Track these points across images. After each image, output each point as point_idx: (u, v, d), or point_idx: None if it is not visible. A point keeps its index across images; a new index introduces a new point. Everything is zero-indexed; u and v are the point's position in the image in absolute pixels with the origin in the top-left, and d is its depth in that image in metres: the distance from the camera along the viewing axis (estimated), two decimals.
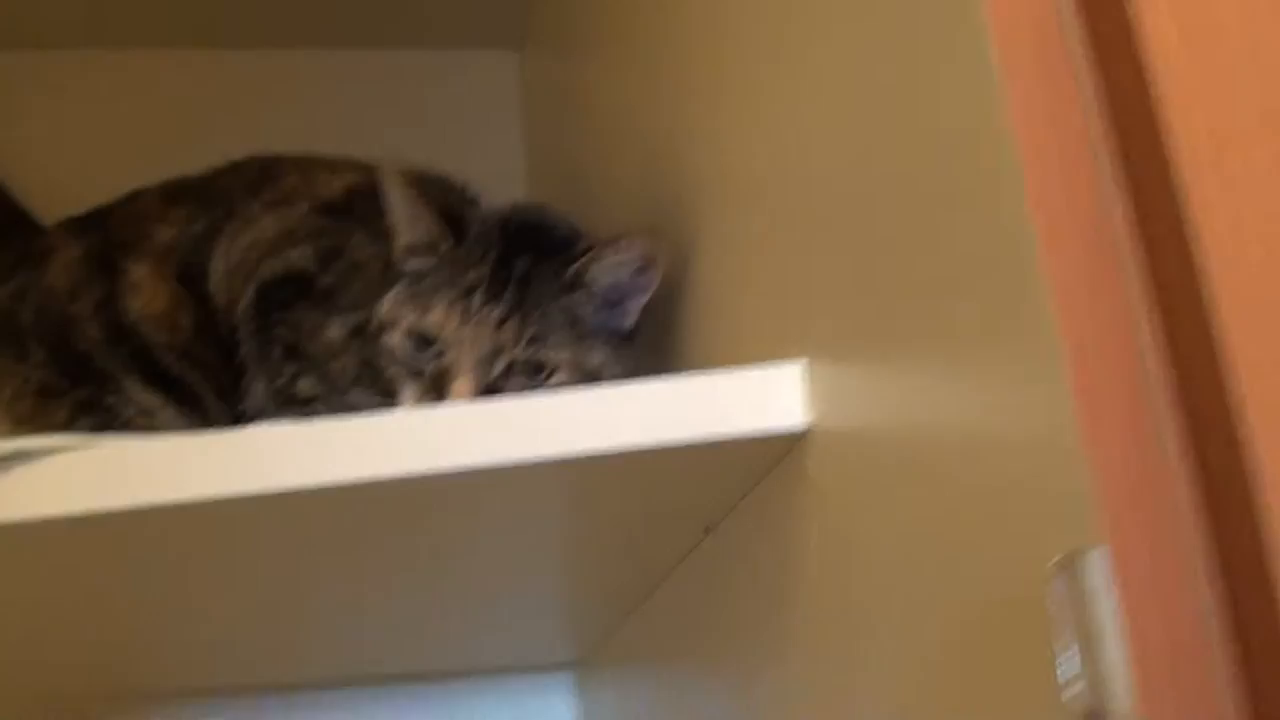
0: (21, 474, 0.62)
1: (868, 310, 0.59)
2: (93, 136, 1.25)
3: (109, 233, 0.96)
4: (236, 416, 0.90)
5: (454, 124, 1.35)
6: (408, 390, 0.77)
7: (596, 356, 0.78)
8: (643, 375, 0.69)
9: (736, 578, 0.77)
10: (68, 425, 0.86)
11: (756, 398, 0.64)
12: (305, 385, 0.86)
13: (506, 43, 1.37)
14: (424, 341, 0.77)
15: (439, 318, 0.77)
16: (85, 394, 0.90)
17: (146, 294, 0.93)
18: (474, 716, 1.15)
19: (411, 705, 1.14)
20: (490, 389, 0.74)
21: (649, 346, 0.83)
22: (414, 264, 0.80)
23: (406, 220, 0.81)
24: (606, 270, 0.78)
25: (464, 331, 0.76)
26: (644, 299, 0.80)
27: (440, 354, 0.76)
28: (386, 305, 0.80)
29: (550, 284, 0.78)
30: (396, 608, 0.92)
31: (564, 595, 0.98)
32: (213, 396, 0.91)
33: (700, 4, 0.81)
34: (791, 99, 0.65)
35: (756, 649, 0.74)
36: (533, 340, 0.76)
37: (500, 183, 1.31)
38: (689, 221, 0.82)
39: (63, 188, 1.15)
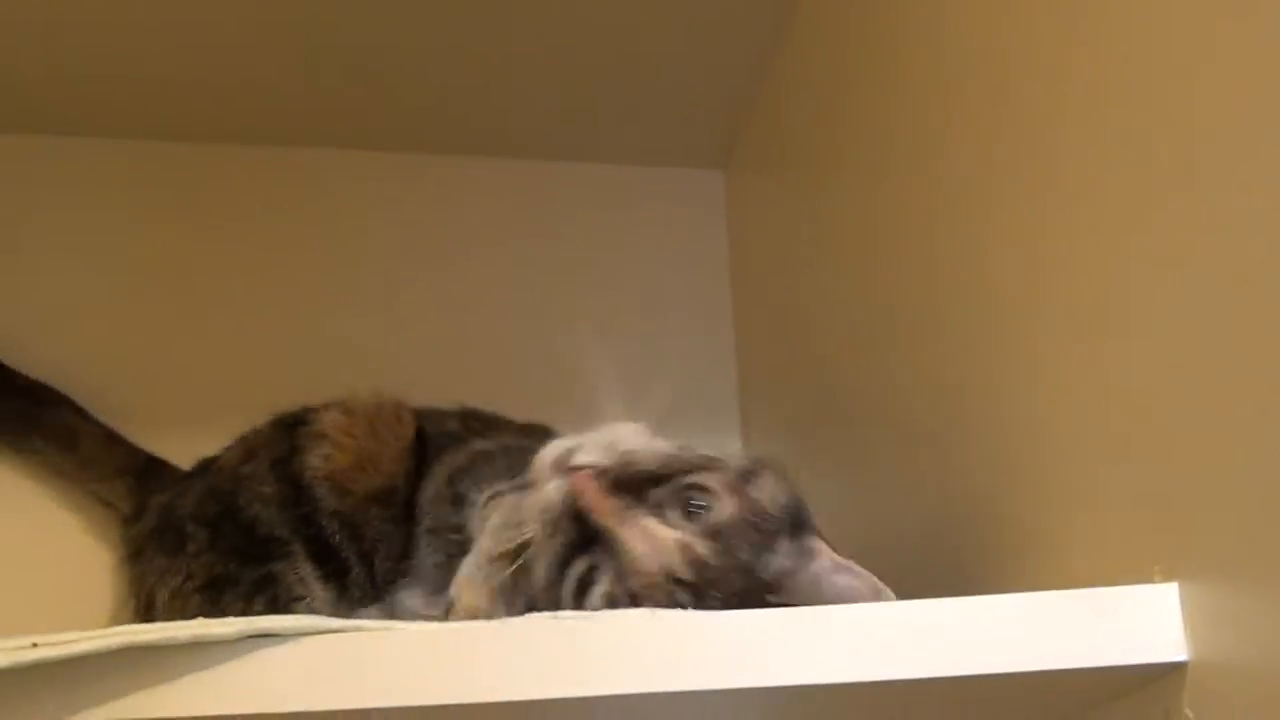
0: (264, 658, 0.54)
1: (1258, 523, 0.49)
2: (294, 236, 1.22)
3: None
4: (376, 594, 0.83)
5: (661, 240, 1.30)
6: None
7: None
8: None
9: None
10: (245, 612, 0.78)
11: (1133, 623, 0.54)
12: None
13: (712, 162, 1.32)
14: None
15: None
16: (257, 572, 0.83)
17: (330, 445, 0.87)
18: None
19: None
20: None
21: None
22: None
23: None
24: None
25: None
26: None
27: None
28: None
29: None
30: None
31: None
32: (362, 570, 0.84)
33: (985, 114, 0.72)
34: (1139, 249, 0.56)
35: None
36: None
37: (707, 299, 1.26)
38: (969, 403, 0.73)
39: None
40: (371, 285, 1.22)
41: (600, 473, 0.62)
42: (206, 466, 0.95)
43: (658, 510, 0.62)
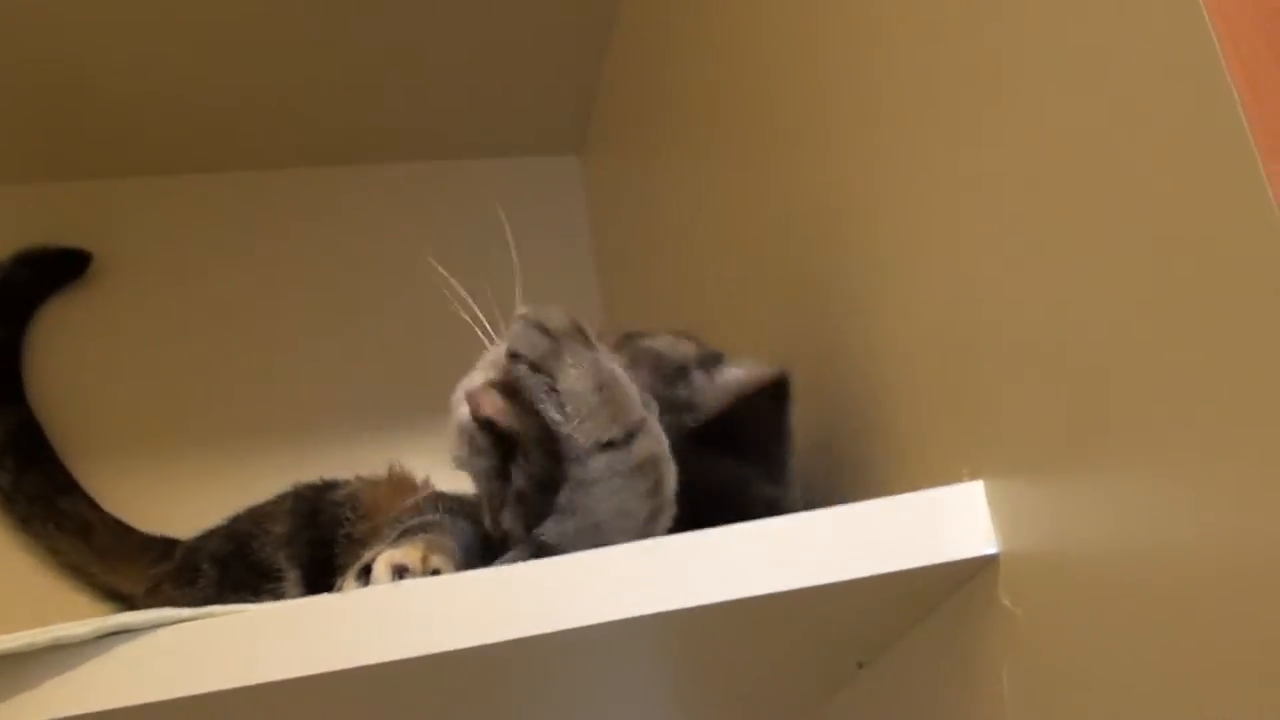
0: (121, 653, 0.55)
1: (1063, 425, 0.52)
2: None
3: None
4: None
5: (523, 229, 1.31)
6: None
7: None
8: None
9: (901, 712, 0.70)
10: None
11: (941, 523, 0.57)
12: None
13: (568, 148, 1.35)
14: None
15: None
16: (238, 602, 0.86)
17: (355, 485, 0.93)
18: None
19: None
20: None
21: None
22: None
23: None
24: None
25: None
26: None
27: None
28: None
29: None
30: None
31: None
32: None
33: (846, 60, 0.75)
34: (967, 178, 0.59)
35: None
36: None
37: (572, 282, 1.29)
38: (815, 332, 0.76)
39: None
40: (238, 299, 1.23)
41: (492, 384, 0.65)
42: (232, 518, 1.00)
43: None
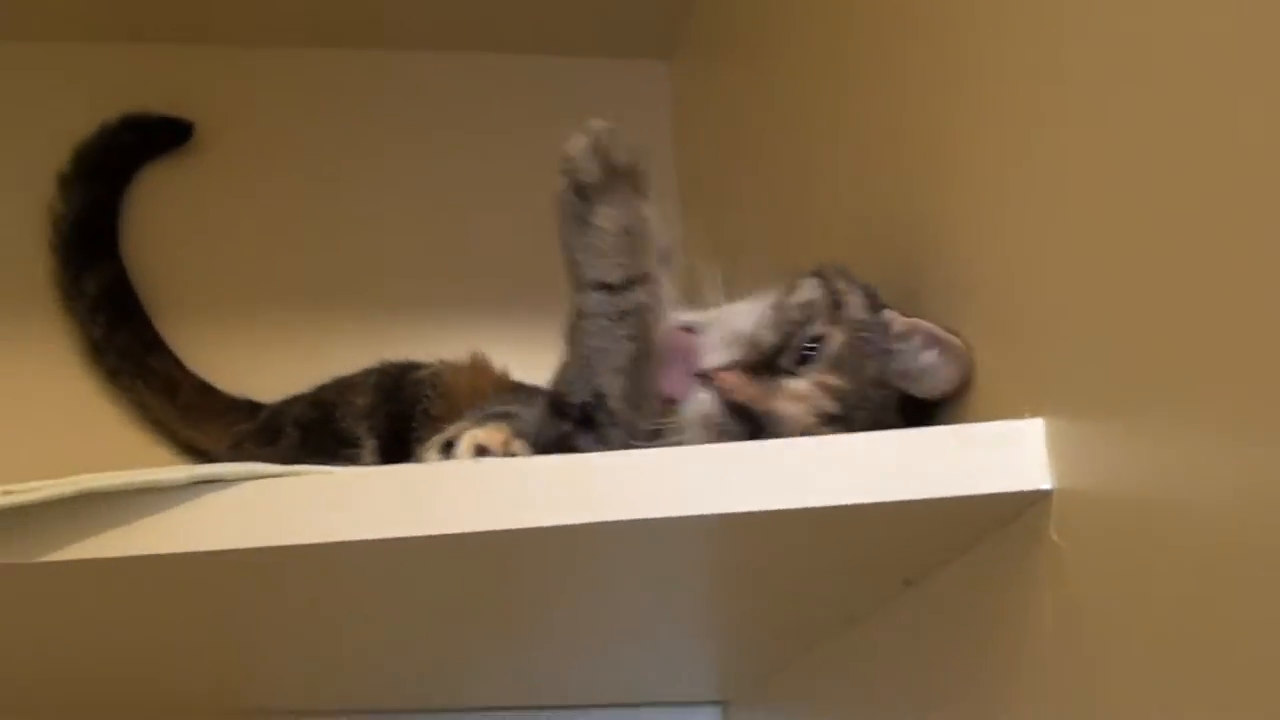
0: (210, 501, 0.59)
1: (1126, 371, 0.54)
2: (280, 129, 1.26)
3: None
4: None
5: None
6: None
7: None
8: None
9: (941, 633, 0.72)
10: None
11: (1001, 455, 0.59)
12: None
13: (656, 52, 1.34)
14: None
15: None
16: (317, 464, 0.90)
17: (439, 368, 0.97)
18: None
19: None
20: None
21: None
22: None
23: None
24: None
25: None
26: None
27: None
28: None
29: None
30: (554, 643, 0.88)
31: (727, 637, 0.93)
32: None
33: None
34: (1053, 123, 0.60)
35: (963, 707, 0.69)
36: None
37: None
38: (891, 253, 0.78)
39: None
40: (322, 181, 1.26)
41: (735, 364, 0.67)
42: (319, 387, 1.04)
43: (788, 370, 0.68)
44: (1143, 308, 0.52)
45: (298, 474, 0.59)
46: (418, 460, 0.66)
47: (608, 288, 0.64)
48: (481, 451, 0.62)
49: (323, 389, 1.03)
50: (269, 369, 1.15)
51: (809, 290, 0.71)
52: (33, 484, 0.58)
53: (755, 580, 0.75)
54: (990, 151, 0.66)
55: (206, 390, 1.14)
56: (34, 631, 0.75)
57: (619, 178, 0.64)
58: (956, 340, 0.67)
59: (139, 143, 1.20)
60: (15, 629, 0.73)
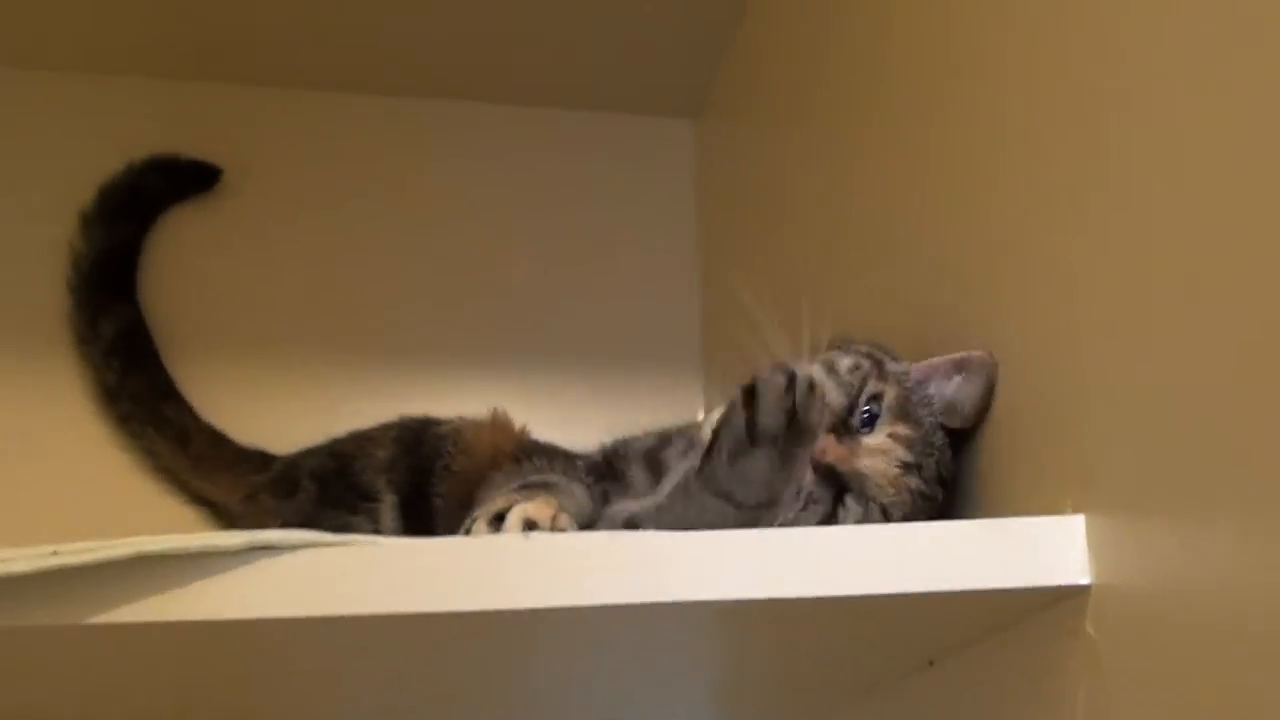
0: (266, 567, 0.59)
1: (1170, 471, 0.55)
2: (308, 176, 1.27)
3: None
4: None
5: (628, 187, 1.34)
6: None
7: None
8: None
9: (963, 712, 0.74)
10: None
11: (1041, 550, 0.60)
12: None
13: (682, 111, 1.36)
14: None
15: None
16: (336, 520, 0.91)
17: (459, 424, 0.96)
18: None
19: None
20: None
21: None
22: None
23: None
24: None
25: None
26: None
27: None
28: None
29: None
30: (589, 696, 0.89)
31: (744, 707, 0.94)
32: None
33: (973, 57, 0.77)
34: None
35: None
36: None
37: (671, 247, 1.32)
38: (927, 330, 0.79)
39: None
40: (355, 225, 1.27)
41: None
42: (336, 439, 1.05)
43: (859, 430, 0.70)
44: (1187, 404, 0.54)
45: (352, 543, 0.60)
46: (467, 532, 0.67)
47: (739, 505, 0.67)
48: (530, 526, 0.63)
49: (339, 442, 1.04)
50: (280, 420, 1.16)
51: (849, 356, 0.73)
52: (82, 545, 0.58)
53: (777, 656, 0.76)
54: (1030, 230, 0.67)
55: (219, 440, 1.14)
56: (78, 692, 0.75)
57: (793, 431, 0.66)
58: (972, 352, 0.71)
59: (166, 186, 1.21)
60: (61, 690, 0.73)
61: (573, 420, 0.96)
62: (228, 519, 1.10)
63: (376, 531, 0.91)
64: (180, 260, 1.22)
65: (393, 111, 1.30)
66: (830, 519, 0.67)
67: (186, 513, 1.13)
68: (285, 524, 0.94)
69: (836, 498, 0.67)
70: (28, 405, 1.15)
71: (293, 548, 0.60)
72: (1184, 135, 0.55)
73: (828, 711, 0.89)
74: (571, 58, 1.27)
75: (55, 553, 0.58)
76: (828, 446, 0.67)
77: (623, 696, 0.86)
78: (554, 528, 0.64)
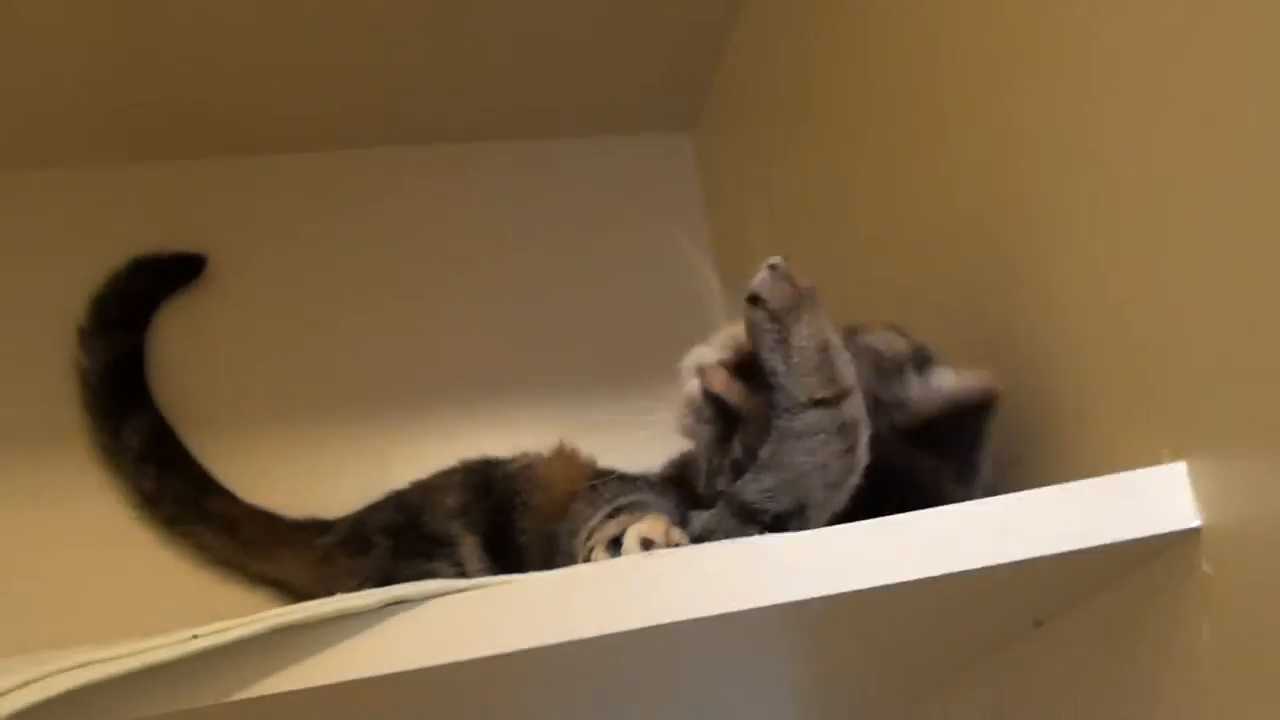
0: (401, 621, 0.61)
1: (1262, 405, 0.57)
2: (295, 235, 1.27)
3: None
4: None
5: (634, 205, 1.35)
6: None
7: None
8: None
9: (1082, 671, 0.75)
10: None
11: (1146, 501, 0.62)
12: None
13: (678, 125, 1.38)
14: None
15: None
16: (417, 569, 0.91)
17: (531, 460, 0.97)
18: None
19: None
20: None
21: None
22: None
23: None
24: None
25: None
26: None
27: None
28: None
29: None
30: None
31: (848, 687, 0.96)
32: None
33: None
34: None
35: None
36: None
37: (686, 258, 1.33)
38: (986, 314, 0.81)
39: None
40: (354, 281, 1.27)
41: (723, 363, 0.72)
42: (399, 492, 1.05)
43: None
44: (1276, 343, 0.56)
45: (481, 585, 0.61)
46: (586, 560, 0.68)
47: (822, 403, 0.66)
48: (648, 544, 0.65)
49: (403, 494, 1.05)
50: (319, 484, 1.17)
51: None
52: (222, 624, 0.60)
53: (884, 635, 0.78)
54: (1106, 182, 0.68)
55: (268, 520, 1.14)
56: None
57: (805, 299, 0.68)
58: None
59: (154, 285, 1.21)
60: None
61: (600, 445, 0.97)
62: (294, 591, 1.10)
63: (460, 573, 0.92)
64: (182, 350, 1.21)
65: (380, 162, 1.31)
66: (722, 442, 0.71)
67: (250, 597, 1.13)
68: (363, 581, 0.95)
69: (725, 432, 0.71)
70: (66, 522, 1.14)
71: (425, 598, 0.61)
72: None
73: (931, 685, 0.91)
74: (562, 86, 1.28)
75: (195, 636, 0.59)
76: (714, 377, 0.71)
77: (722, 698, 0.87)
78: (669, 543, 0.65)
